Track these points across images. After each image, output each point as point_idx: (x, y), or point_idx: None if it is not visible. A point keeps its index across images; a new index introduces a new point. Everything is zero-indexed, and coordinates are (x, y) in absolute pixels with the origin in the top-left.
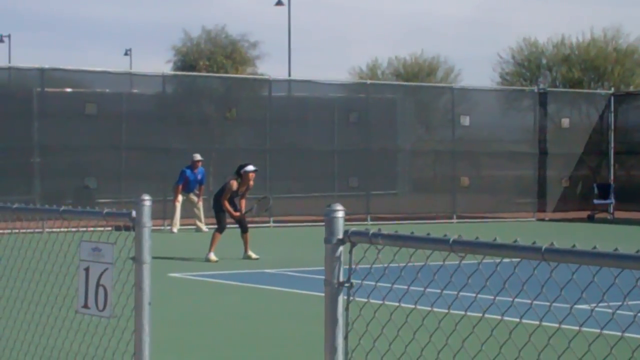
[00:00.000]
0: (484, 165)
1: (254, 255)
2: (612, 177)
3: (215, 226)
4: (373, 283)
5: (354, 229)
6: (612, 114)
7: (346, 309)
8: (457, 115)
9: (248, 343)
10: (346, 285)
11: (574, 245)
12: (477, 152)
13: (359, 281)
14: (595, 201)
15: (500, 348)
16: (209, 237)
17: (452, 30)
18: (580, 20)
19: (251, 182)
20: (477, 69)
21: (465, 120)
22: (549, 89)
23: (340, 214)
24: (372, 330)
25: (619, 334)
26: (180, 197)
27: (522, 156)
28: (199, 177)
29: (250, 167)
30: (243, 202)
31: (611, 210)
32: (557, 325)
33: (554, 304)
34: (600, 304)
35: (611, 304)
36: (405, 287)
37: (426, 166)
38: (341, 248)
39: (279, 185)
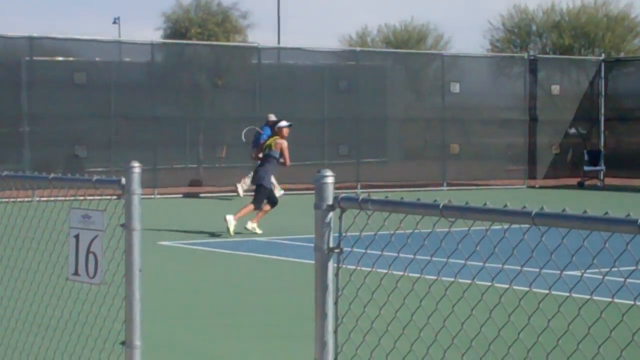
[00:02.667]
0: (474, 133)
1: (258, 230)
2: (602, 144)
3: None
4: (363, 249)
5: (343, 195)
6: (603, 81)
7: (336, 274)
8: (447, 82)
9: (239, 310)
10: (336, 251)
11: (563, 210)
12: (467, 120)
13: (349, 248)
14: (586, 168)
15: (490, 312)
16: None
17: None
18: None
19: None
20: (467, 36)
21: (455, 88)
22: (539, 55)
23: (330, 180)
24: (362, 295)
25: (609, 299)
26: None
27: (512, 123)
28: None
29: (284, 122)
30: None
31: (601, 177)
32: (547, 290)
33: (544, 270)
34: (591, 269)
35: (602, 269)
36: (395, 253)
37: (416, 134)
38: (331, 214)
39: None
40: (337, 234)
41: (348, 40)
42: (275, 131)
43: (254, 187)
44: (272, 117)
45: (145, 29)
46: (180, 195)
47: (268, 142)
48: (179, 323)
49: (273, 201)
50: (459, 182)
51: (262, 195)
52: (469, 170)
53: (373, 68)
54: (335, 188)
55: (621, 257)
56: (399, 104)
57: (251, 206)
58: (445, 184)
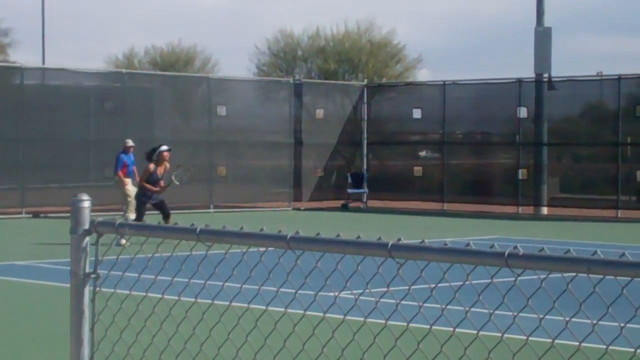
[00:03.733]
0: (241, 155)
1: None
2: (365, 167)
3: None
4: (120, 273)
5: (100, 219)
6: (366, 105)
7: (92, 300)
8: (214, 105)
9: None
10: (92, 276)
11: (318, 234)
12: (234, 142)
13: (106, 272)
14: (349, 190)
15: (247, 336)
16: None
17: (209, 20)
18: (334, 12)
19: (167, 163)
20: (234, 59)
21: (222, 111)
22: (304, 80)
23: (86, 204)
24: (118, 321)
25: (362, 319)
26: (128, 181)
27: (278, 146)
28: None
29: (164, 147)
30: (162, 183)
31: (364, 199)
32: (302, 311)
33: (300, 291)
34: (345, 291)
35: (354, 291)
36: (153, 277)
37: (183, 156)
38: (87, 238)
39: (33, 175)
40: (93, 259)
41: (114, 62)
42: (156, 156)
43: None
44: (130, 143)
45: None
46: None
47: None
48: None
49: (140, 216)
50: (226, 204)
51: (139, 209)
52: (236, 193)
53: (140, 90)
54: (101, 211)
55: (373, 279)
56: (166, 126)
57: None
58: (212, 206)
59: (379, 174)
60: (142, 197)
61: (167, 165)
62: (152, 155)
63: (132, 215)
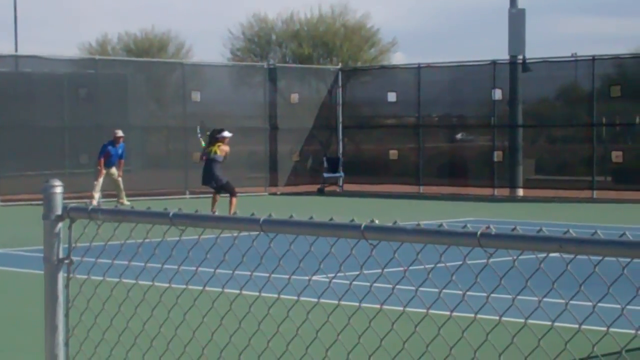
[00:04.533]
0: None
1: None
2: (341, 151)
3: (227, 195)
4: (93, 259)
5: (73, 204)
6: (341, 89)
7: (66, 286)
8: (188, 91)
9: None
10: (66, 262)
11: (291, 216)
12: (208, 128)
13: (79, 258)
14: (325, 174)
15: (221, 319)
16: None
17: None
18: None
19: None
20: (208, 44)
21: (197, 96)
22: (278, 64)
23: (59, 190)
24: (93, 306)
25: (336, 302)
26: (103, 172)
27: (254, 131)
28: (120, 151)
29: (227, 133)
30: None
31: (340, 183)
32: (276, 295)
33: (274, 275)
34: (318, 274)
35: (328, 274)
36: (127, 262)
37: (158, 142)
38: (60, 224)
39: (7, 163)
40: (66, 245)
41: (88, 48)
42: (219, 139)
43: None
44: (120, 133)
45: None
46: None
47: (213, 148)
48: None
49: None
50: (202, 189)
51: (228, 187)
52: None
53: (113, 76)
54: (76, 198)
55: (346, 261)
56: (141, 112)
57: (233, 199)
58: (187, 192)
59: (354, 158)
60: (223, 183)
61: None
62: (216, 136)
63: (126, 202)
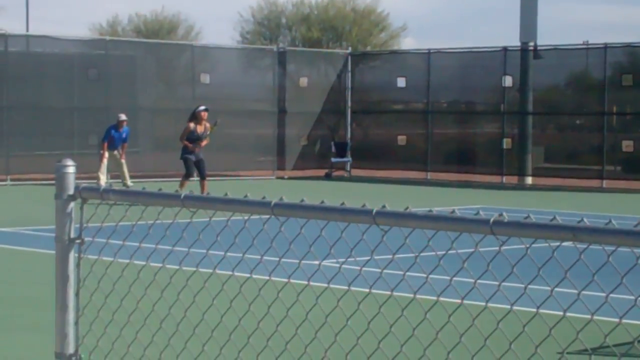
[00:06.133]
0: (224, 124)
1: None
2: (349, 136)
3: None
4: (104, 240)
5: (85, 184)
6: (350, 74)
7: (77, 265)
8: (197, 73)
9: None
10: (77, 241)
11: (302, 200)
12: (218, 111)
13: (90, 238)
14: (333, 159)
15: (231, 302)
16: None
17: None
18: None
19: (205, 122)
20: (218, 27)
21: (206, 79)
22: (288, 48)
23: (71, 170)
24: (103, 286)
25: (346, 287)
26: (106, 154)
27: (262, 115)
28: (124, 135)
29: (202, 107)
30: (204, 143)
31: (348, 168)
32: (286, 280)
33: (284, 259)
34: (328, 259)
35: (339, 259)
36: (137, 243)
37: (167, 124)
38: (72, 204)
39: (17, 143)
40: (78, 225)
41: (98, 29)
42: (195, 116)
43: None
44: (122, 117)
45: None
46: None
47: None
48: None
49: (189, 172)
50: (209, 172)
51: (186, 165)
52: (219, 161)
53: (123, 57)
54: (85, 178)
55: (357, 246)
56: (150, 94)
57: (184, 181)
58: (196, 174)
59: (362, 143)
60: (186, 154)
61: (207, 124)
62: (194, 114)
63: (129, 183)
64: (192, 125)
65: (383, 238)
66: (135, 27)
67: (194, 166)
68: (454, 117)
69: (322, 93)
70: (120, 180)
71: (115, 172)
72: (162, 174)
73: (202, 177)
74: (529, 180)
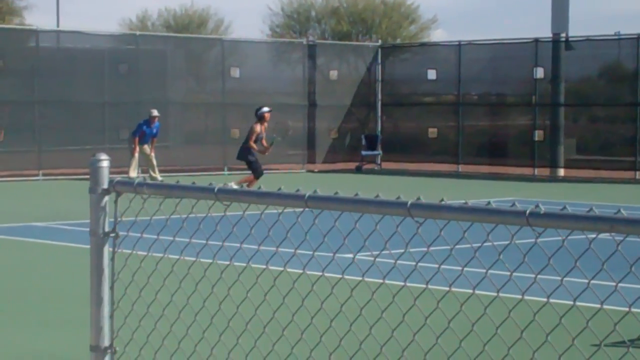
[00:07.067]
0: (254, 117)
1: None
2: (379, 129)
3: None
4: (139, 234)
5: (119, 178)
6: (380, 67)
7: (112, 259)
8: (227, 67)
9: (15, 296)
10: (111, 235)
11: (336, 193)
12: (247, 104)
13: (125, 232)
14: (363, 152)
15: (265, 295)
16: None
17: None
18: None
19: (266, 123)
20: (248, 21)
21: (236, 73)
22: (318, 41)
23: (105, 164)
24: (138, 280)
25: (380, 280)
26: (137, 149)
27: (292, 108)
28: (154, 131)
29: (265, 108)
30: (264, 142)
31: (378, 161)
32: (320, 273)
33: (317, 252)
34: (362, 251)
35: (373, 252)
36: (171, 237)
37: (197, 118)
38: (106, 198)
39: (48, 137)
40: (112, 219)
41: (128, 24)
42: (259, 117)
43: None
44: (155, 113)
45: None
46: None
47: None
48: None
49: (259, 172)
50: (240, 166)
51: (254, 167)
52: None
53: (153, 52)
54: (116, 172)
55: (391, 239)
56: (180, 88)
57: (254, 180)
58: (226, 169)
59: (392, 136)
60: (250, 157)
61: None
62: (257, 114)
63: (160, 178)
64: (258, 127)
65: (418, 230)
66: (164, 21)
67: (259, 168)
68: (484, 109)
69: (352, 86)
70: (148, 175)
71: (144, 166)
72: (193, 167)
73: (257, 176)
74: (561, 172)
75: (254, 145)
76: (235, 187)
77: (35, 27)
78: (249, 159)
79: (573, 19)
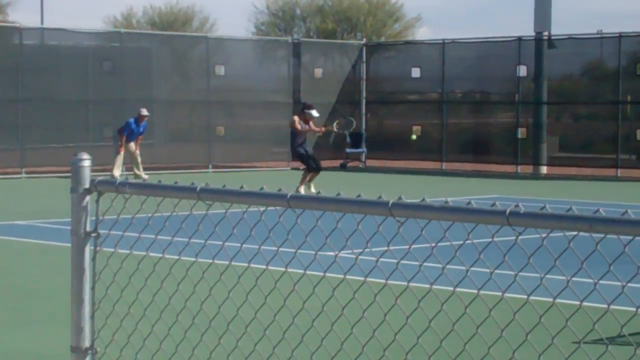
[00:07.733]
0: (239, 115)
1: (313, 189)
2: (364, 126)
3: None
4: (120, 233)
5: (100, 178)
6: (364, 65)
7: (93, 259)
8: (212, 65)
9: None
10: (93, 235)
11: (318, 193)
12: (233, 102)
13: (106, 231)
14: (348, 150)
15: (247, 295)
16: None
17: None
18: None
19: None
20: (233, 18)
21: (221, 70)
22: (303, 39)
23: (87, 163)
24: (119, 280)
25: (362, 278)
26: (123, 147)
27: (277, 106)
28: (141, 129)
29: (315, 113)
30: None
31: (363, 159)
32: (302, 271)
33: (300, 251)
34: (345, 250)
35: (355, 250)
36: (153, 236)
37: (182, 116)
38: (88, 197)
39: (31, 135)
40: (94, 218)
41: (113, 21)
42: (304, 112)
43: None
44: (144, 112)
45: None
46: (130, 174)
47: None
48: None
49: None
50: (224, 164)
51: (310, 162)
52: (234, 153)
53: (138, 50)
54: (100, 170)
55: (373, 238)
56: (165, 86)
57: (314, 173)
58: (211, 166)
59: (377, 133)
60: (299, 149)
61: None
62: (303, 109)
63: (144, 176)
64: (296, 117)
65: (399, 230)
66: (149, 19)
67: (310, 158)
68: (468, 107)
69: (337, 84)
70: (132, 173)
71: (129, 164)
72: (177, 165)
73: (317, 170)
74: (544, 169)
75: (298, 126)
76: (302, 192)
77: (19, 24)
78: (298, 152)
79: (555, 17)
